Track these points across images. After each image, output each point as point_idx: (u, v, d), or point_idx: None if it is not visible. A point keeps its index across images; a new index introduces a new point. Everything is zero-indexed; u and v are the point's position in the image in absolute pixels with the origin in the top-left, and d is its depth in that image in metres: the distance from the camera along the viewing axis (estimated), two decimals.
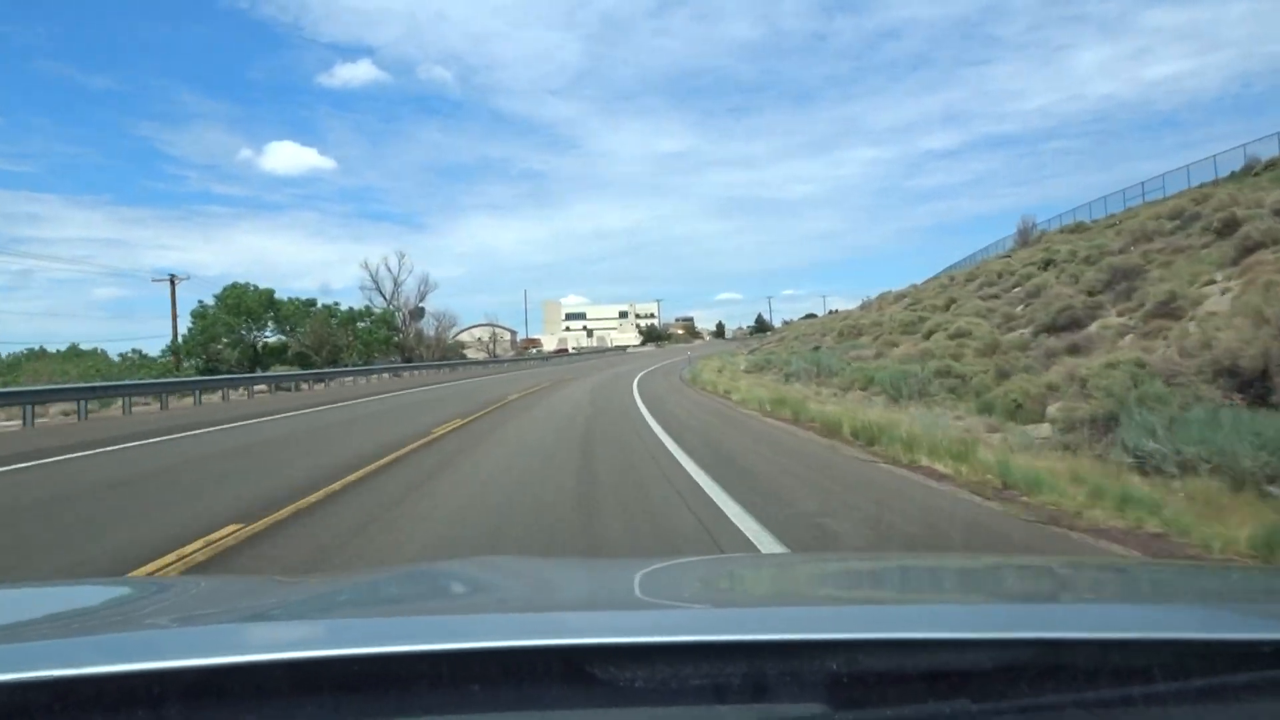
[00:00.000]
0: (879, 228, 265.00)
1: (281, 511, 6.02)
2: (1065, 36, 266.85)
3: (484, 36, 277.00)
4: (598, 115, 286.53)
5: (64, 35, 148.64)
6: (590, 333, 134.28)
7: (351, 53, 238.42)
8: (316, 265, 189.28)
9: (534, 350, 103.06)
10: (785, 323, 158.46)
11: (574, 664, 0.91)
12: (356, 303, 62.92)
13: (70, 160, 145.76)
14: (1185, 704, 0.91)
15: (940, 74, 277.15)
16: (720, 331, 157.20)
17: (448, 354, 63.10)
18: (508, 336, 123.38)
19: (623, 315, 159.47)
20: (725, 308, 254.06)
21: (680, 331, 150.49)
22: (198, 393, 24.30)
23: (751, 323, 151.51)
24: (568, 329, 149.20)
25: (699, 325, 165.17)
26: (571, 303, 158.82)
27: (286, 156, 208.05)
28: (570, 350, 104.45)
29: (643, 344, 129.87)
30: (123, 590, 1.94)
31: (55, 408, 19.78)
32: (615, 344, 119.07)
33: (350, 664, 0.89)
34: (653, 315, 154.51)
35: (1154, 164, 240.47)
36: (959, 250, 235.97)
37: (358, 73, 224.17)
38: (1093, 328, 15.99)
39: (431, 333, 66.29)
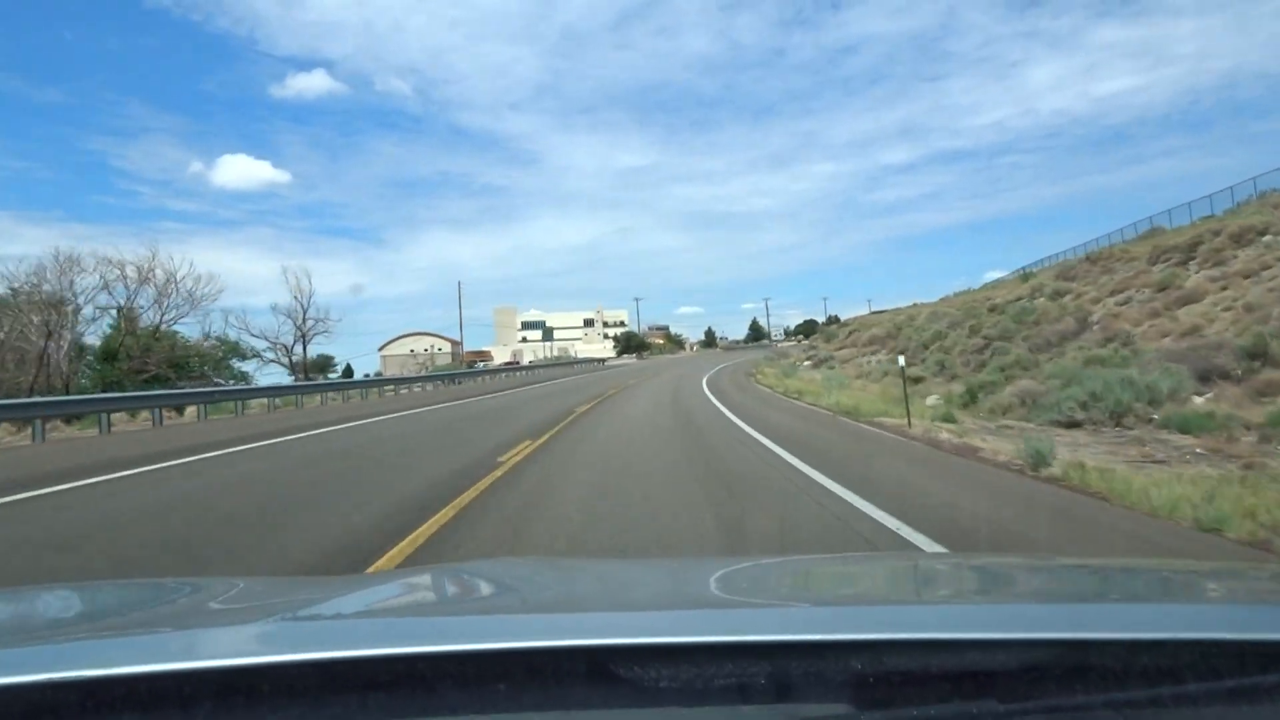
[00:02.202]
0: (839, 241, 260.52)
1: None
2: (1018, 52, 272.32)
3: (442, 50, 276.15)
4: (558, 129, 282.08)
5: (9, 48, 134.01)
6: (549, 332, 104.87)
7: (308, 65, 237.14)
8: (274, 282, 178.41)
9: (479, 364, 74.81)
10: (785, 331, 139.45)
11: (598, 664, 0.90)
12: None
13: (17, 175, 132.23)
14: (1216, 705, 0.88)
15: (897, 89, 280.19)
16: (710, 340, 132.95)
17: (188, 370, 27.17)
18: (447, 348, 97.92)
19: (589, 324, 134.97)
20: (687, 321, 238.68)
21: (660, 341, 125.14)
22: None
23: (714, 333, 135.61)
24: (524, 339, 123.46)
25: (683, 337, 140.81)
26: (531, 315, 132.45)
27: (241, 171, 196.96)
28: (524, 364, 75.59)
29: (619, 355, 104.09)
30: (154, 591, 1.81)
31: None
32: (583, 355, 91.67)
33: (377, 664, 0.89)
34: (623, 323, 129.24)
35: (1105, 178, 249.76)
36: (932, 259, 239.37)
37: (312, 83, 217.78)
38: None
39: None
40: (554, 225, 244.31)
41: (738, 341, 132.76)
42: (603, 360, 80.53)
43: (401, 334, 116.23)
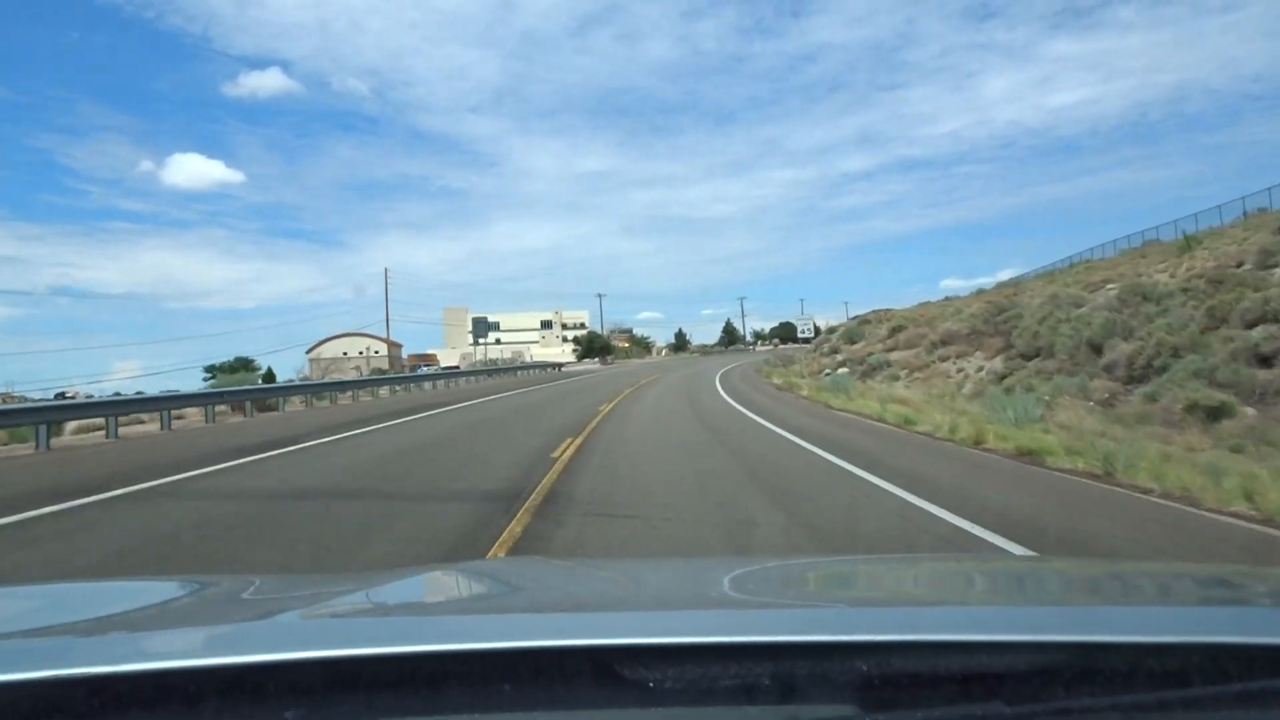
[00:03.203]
0: (798, 247, 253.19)
1: None
2: (974, 64, 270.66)
3: (400, 52, 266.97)
4: (518, 133, 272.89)
5: None
6: (485, 327, 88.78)
7: (263, 64, 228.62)
8: (227, 284, 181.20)
9: (422, 368, 61.12)
10: (757, 334, 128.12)
11: (603, 664, 0.90)
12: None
13: None
14: (1223, 708, 0.87)
15: (856, 97, 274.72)
16: (681, 343, 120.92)
17: None
18: (384, 349, 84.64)
19: (546, 325, 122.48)
20: (648, 326, 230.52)
21: (625, 344, 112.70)
22: None
23: (685, 335, 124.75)
24: (477, 342, 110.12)
25: (651, 340, 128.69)
26: (485, 315, 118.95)
27: (194, 171, 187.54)
28: (461, 368, 61.63)
29: (579, 359, 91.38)
30: (161, 588, 1.77)
31: None
32: (539, 359, 78.55)
33: (383, 663, 0.89)
34: (583, 325, 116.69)
35: (1058, 188, 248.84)
36: (892, 265, 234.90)
37: (267, 82, 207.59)
38: None
39: None
40: (514, 229, 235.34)
41: (709, 346, 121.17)
42: (559, 365, 67.59)
43: (334, 334, 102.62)
